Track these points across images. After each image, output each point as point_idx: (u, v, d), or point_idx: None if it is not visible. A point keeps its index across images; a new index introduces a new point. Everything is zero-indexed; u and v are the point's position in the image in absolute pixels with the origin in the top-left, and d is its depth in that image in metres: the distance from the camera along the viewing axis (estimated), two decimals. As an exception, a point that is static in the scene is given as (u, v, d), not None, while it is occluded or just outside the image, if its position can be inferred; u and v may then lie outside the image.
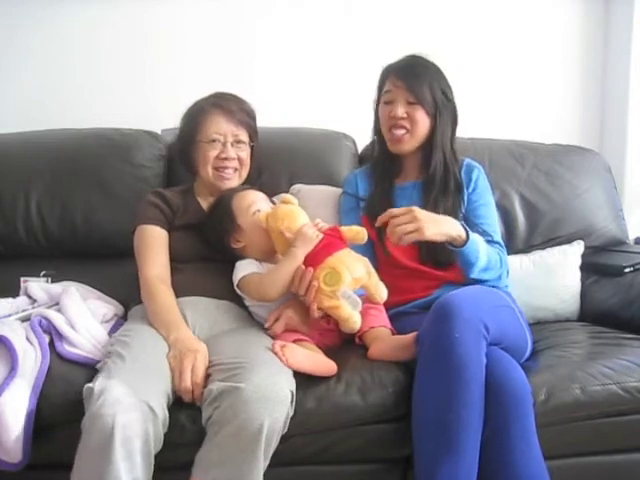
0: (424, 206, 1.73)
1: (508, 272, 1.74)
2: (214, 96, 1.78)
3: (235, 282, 1.58)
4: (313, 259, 1.49)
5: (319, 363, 1.45)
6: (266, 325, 1.56)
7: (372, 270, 1.54)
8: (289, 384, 1.34)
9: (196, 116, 1.75)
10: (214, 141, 1.72)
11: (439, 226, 1.54)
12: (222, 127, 1.72)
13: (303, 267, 1.48)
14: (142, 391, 1.25)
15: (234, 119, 1.74)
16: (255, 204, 1.64)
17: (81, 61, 2.35)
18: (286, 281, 1.49)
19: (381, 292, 1.53)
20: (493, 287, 1.67)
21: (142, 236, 1.66)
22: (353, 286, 1.50)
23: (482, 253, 1.61)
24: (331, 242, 1.52)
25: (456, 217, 1.68)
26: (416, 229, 1.49)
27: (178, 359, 1.38)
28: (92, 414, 1.22)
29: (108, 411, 1.20)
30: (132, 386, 1.25)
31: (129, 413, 1.21)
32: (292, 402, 1.33)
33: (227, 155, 1.72)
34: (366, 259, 1.55)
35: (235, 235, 1.64)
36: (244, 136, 1.76)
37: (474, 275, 1.63)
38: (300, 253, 1.49)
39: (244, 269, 1.58)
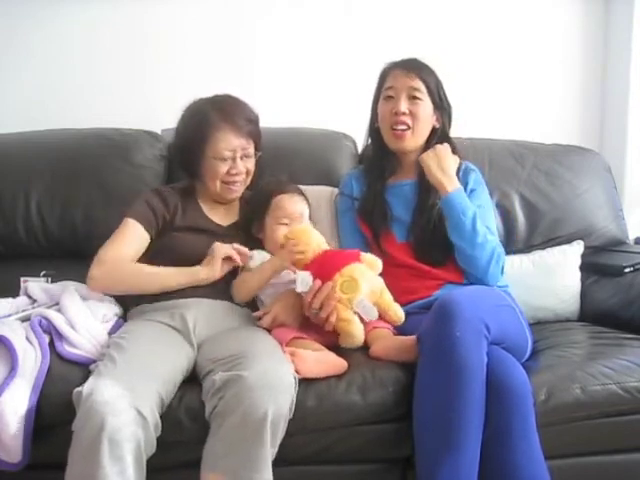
0: (419, 205, 1.74)
1: (503, 269, 1.71)
2: (218, 104, 1.72)
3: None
4: (330, 268, 1.51)
5: (329, 366, 1.45)
6: (256, 314, 1.60)
7: (386, 290, 1.56)
8: (292, 371, 1.35)
9: (202, 128, 1.68)
10: (224, 158, 1.69)
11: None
12: (232, 143, 1.68)
13: (319, 282, 1.50)
14: (131, 394, 1.24)
15: (243, 133, 1.70)
16: (287, 218, 1.67)
17: (81, 61, 2.35)
18: (252, 289, 1.62)
19: (396, 311, 1.54)
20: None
21: (122, 226, 1.68)
22: (369, 298, 1.51)
23: (469, 210, 1.65)
24: (349, 255, 1.56)
25: None
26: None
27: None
28: (81, 417, 1.22)
29: (96, 414, 1.20)
30: (121, 389, 1.24)
31: (117, 416, 1.20)
32: (296, 388, 1.33)
33: (237, 171, 1.71)
34: (380, 279, 1.57)
35: (257, 224, 1.71)
36: (252, 148, 1.74)
37: (463, 234, 1.64)
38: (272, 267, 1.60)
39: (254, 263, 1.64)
